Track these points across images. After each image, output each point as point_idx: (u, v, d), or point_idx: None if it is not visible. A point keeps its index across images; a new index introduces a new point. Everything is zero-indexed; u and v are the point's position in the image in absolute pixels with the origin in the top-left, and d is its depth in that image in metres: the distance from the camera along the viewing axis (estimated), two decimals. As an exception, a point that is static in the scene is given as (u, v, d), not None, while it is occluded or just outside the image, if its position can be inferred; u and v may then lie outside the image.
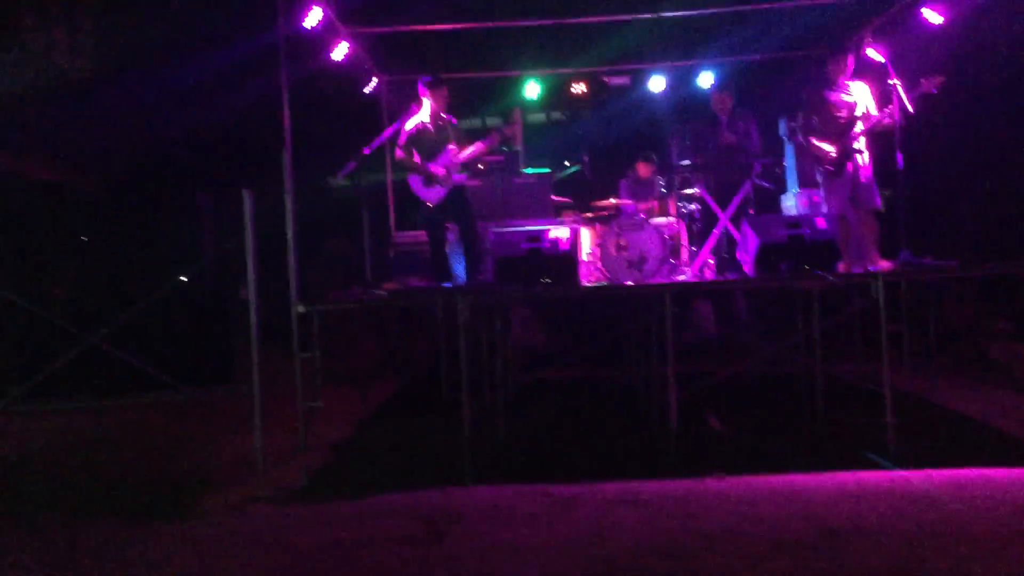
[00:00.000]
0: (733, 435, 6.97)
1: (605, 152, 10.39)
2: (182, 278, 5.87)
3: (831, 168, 7.38)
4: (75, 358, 5.65)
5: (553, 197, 9.01)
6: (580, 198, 9.36)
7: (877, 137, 7.29)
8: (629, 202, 8.90)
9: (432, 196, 7.55)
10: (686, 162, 8.41)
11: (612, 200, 8.88)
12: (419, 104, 7.70)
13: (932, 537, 4.39)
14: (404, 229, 9.96)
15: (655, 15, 8.87)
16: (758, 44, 9.95)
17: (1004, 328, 9.30)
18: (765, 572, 4.09)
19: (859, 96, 7.48)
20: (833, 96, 7.50)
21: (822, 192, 7.61)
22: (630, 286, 7.19)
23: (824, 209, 7.41)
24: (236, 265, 6.23)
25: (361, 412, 8.23)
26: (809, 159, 8.23)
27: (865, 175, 7.34)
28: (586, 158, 8.97)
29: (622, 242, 8.24)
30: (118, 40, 8.82)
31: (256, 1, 7.04)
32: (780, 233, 6.39)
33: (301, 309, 6.19)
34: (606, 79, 10.20)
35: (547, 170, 8.96)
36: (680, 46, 10.22)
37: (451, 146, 7.63)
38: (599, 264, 8.40)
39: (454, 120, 7.87)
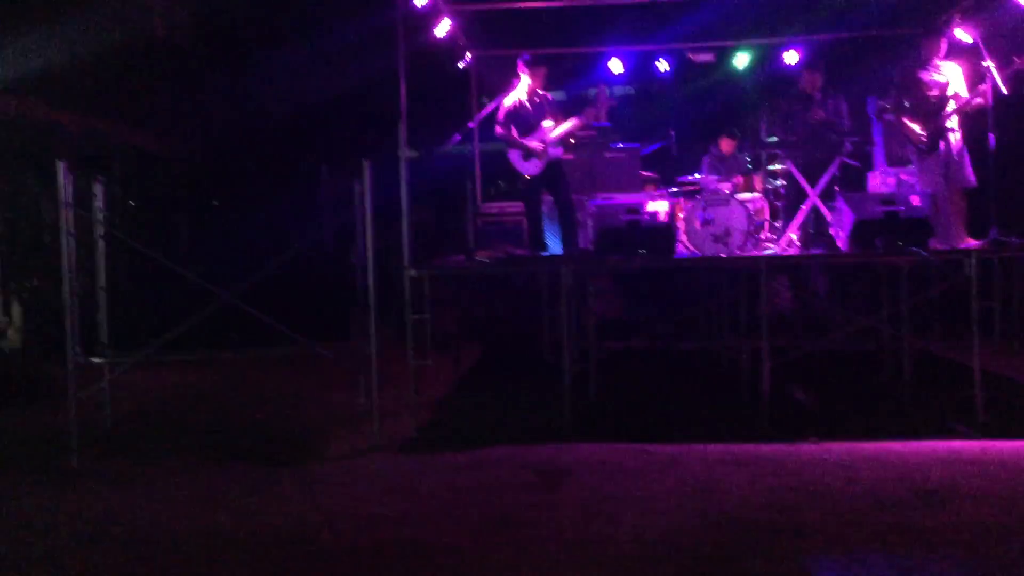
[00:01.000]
0: (818, 406, 7.23)
1: (690, 128, 10.57)
2: (303, 244, 6.22)
3: (923, 147, 7.52)
4: (209, 315, 6.07)
5: (641, 172, 9.28)
6: (665, 173, 9.59)
7: (971, 117, 7.41)
8: (714, 177, 9.11)
9: (531, 169, 7.87)
10: (773, 138, 8.59)
11: (698, 175, 9.11)
12: (517, 80, 8.00)
13: (1027, 499, 4.63)
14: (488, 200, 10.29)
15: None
16: (843, 22, 10.01)
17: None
18: (867, 527, 4.35)
19: (951, 76, 7.59)
20: (925, 76, 7.62)
21: (915, 170, 7.76)
22: (727, 258, 7.43)
23: (916, 187, 7.56)
24: (351, 232, 6.61)
25: (453, 374, 8.62)
26: (899, 138, 8.37)
27: (957, 154, 7.48)
28: (672, 133, 9.18)
29: (708, 216, 8.45)
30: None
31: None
32: (876, 209, 6.58)
33: (413, 273, 6.56)
34: (691, 55, 10.38)
35: (636, 145, 9.22)
36: (765, 23, 10.31)
37: (547, 121, 7.93)
38: (684, 238, 8.63)
39: (550, 96, 8.17)
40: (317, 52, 9.24)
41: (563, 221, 7.95)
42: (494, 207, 10.01)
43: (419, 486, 5.31)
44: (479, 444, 6.16)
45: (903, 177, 8.49)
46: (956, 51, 7.76)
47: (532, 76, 7.91)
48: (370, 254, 6.29)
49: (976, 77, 7.18)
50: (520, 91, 7.96)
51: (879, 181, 8.82)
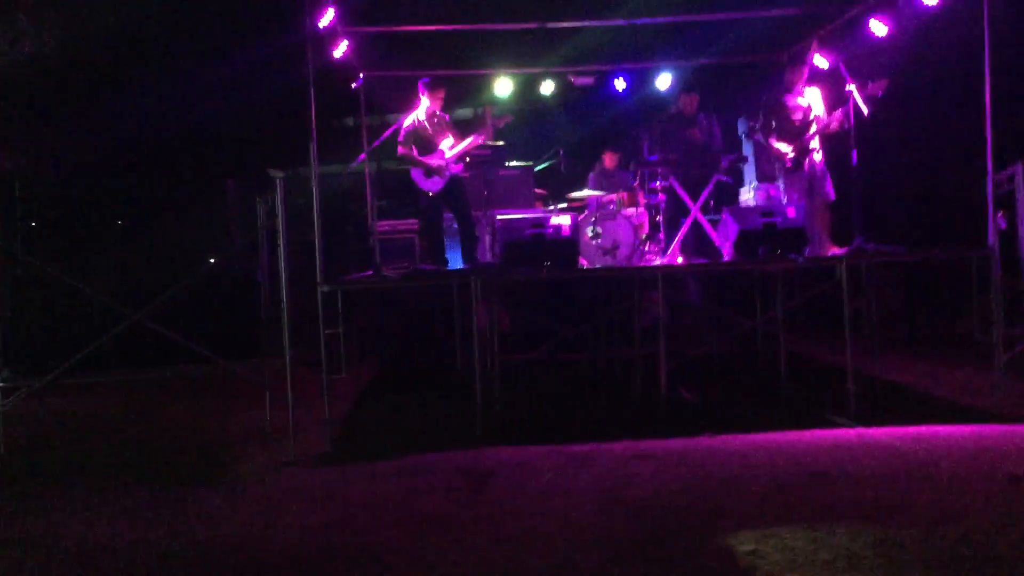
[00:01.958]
0: (707, 405, 7.77)
1: (577, 146, 11.06)
2: (211, 260, 6.27)
3: (789, 165, 8.22)
4: (115, 336, 6.04)
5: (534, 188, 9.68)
6: (555, 189, 10.03)
7: (833, 136, 8.14)
8: (601, 193, 9.60)
9: (432, 186, 8.13)
10: (655, 157, 9.13)
11: (586, 191, 9.57)
12: (418, 102, 8.27)
13: (907, 478, 5.19)
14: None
15: (614, 22, 9.58)
16: (711, 49, 10.73)
17: (930, 310, 10.36)
18: (773, 506, 4.81)
19: (813, 100, 8.34)
20: (790, 101, 8.35)
21: (781, 186, 8.45)
22: (631, 268, 7.89)
23: (784, 201, 8.24)
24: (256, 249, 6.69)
25: (360, 389, 8.75)
26: (767, 157, 9.09)
27: (819, 171, 8.21)
28: (561, 152, 9.62)
29: (596, 230, 8.91)
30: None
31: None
32: (757, 221, 7.17)
33: (326, 289, 6.69)
34: (572, 79, 10.87)
35: (530, 163, 9.62)
36: (639, 49, 10.92)
37: (446, 140, 8.22)
38: (575, 251, 9.07)
39: (447, 117, 8.48)
40: (224, 70, 9.23)
41: (463, 236, 8.24)
42: (386, 225, 10.19)
43: (346, 495, 5.45)
44: (396, 454, 6.34)
45: (772, 192, 9.21)
46: (818, 76, 8.52)
47: (431, 97, 8.21)
48: (282, 268, 6.38)
49: (838, 100, 7.91)
50: (420, 112, 8.24)
51: (750, 196, 9.52)
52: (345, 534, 4.71)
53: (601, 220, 8.94)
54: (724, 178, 8.92)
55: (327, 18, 7.32)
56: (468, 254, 8.18)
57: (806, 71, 8.46)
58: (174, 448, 6.98)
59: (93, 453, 6.92)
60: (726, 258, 7.49)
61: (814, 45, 9.26)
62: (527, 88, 10.80)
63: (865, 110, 7.53)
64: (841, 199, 8.15)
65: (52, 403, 8.49)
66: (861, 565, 3.93)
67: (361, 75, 9.63)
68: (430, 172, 8.12)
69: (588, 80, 10.96)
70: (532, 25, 9.40)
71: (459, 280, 7.00)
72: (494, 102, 10.72)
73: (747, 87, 10.43)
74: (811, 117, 8.29)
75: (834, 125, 8.01)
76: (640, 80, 11.01)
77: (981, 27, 6.82)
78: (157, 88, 8.95)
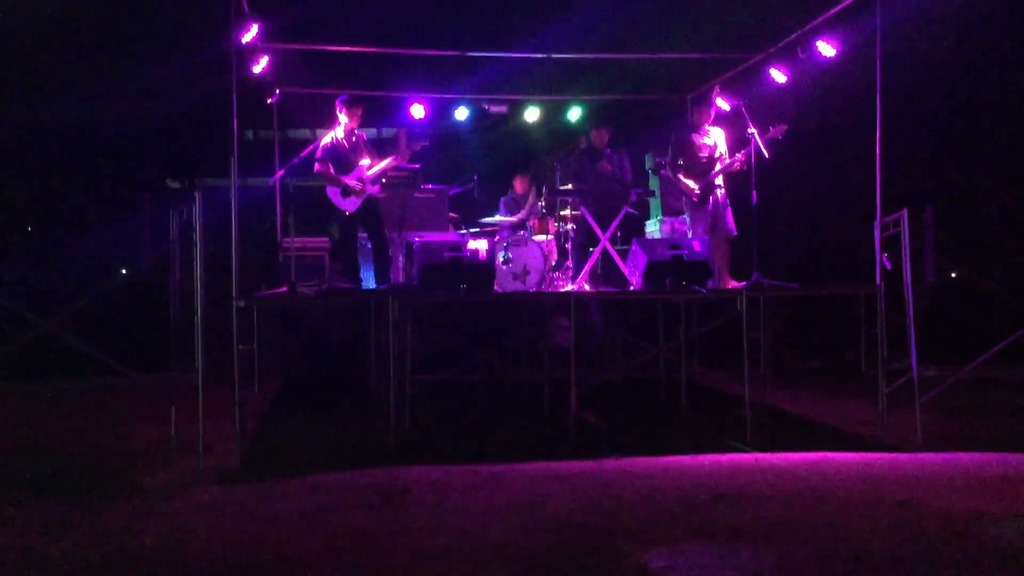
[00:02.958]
0: (613, 429, 8.00)
1: (490, 172, 11.26)
2: (123, 272, 6.16)
3: (695, 201, 8.60)
4: (24, 343, 5.87)
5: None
6: (467, 214, 10.19)
7: (735, 175, 8.56)
8: (513, 219, 9.81)
9: (349, 206, 8.17)
10: (567, 187, 9.40)
11: (498, 217, 9.77)
12: (336, 121, 8.31)
13: (802, 500, 5.50)
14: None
15: (530, 55, 9.86)
16: (621, 86, 11.13)
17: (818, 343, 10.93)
18: (681, 526, 5.02)
19: (718, 140, 8.77)
20: (697, 139, 8.75)
21: (687, 220, 8.82)
22: (544, 293, 8.09)
23: (689, 235, 8.61)
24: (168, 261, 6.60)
25: (269, 406, 8.67)
26: (673, 192, 9.47)
27: (722, 207, 8.61)
28: (475, 177, 9.80)
29: (508, 255, 9.09)
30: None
31: (188, 12, 7.40)
32: (664, 253, 7.48)
33: (241, 304, 6.65)
34: (486, 106, 11.10)
35: (444, 186, 9.75)
36: (552, 82, 11.23)
37: (364, 160, 8.28)
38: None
39: (364, 136, 8.54)
40: (141, 79, 9.07)
41: (378, 256, 8.30)
42: (297, 241, 10.14)
43: (260, 511, 5.43)
44: (309, 470, 6.32)
45: (677, 226, 9.60)
46: (722, 118, 8.95)
47: (349, 116, 8.26)
48: (199, 282, 6.31)
49: (741, 141, 8.34)
50: (338, 130, 8.28)
51: (655, 229, 9.89)
52: (262, 550, 4.70)
53: (512, 246, 9.13)
54: (632, 211, 9.25)
55: (251, 33, 7.32)
56: (382, 274, 8.24)
57: (712, 112, 8.89)
58: (81, 461, 6.78)
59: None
60: (635, 287, 7.76)
61: (716, 89, 9.73)
62: (443, 113, 10.96)
63: (766, 153, 7.96)
64: (740, 236, 8.57)
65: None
66: (766, 580, 4.17)
67: (277, 91, 9.62)
68: (347, 191, 8.16)
69: (503, 108, 11.20)
70: (450, 53, 9.58)
71: (377, 300, 7.05)
72: (409, 125, 10.84)
73: (654, 124, 10.86)
74: (716, 155, 8.71)
75: (736, 165, 8.43)
76: (553, 111, 11.32)
77: (874, 78, 7.32)
78: (73, 94, 8.73)
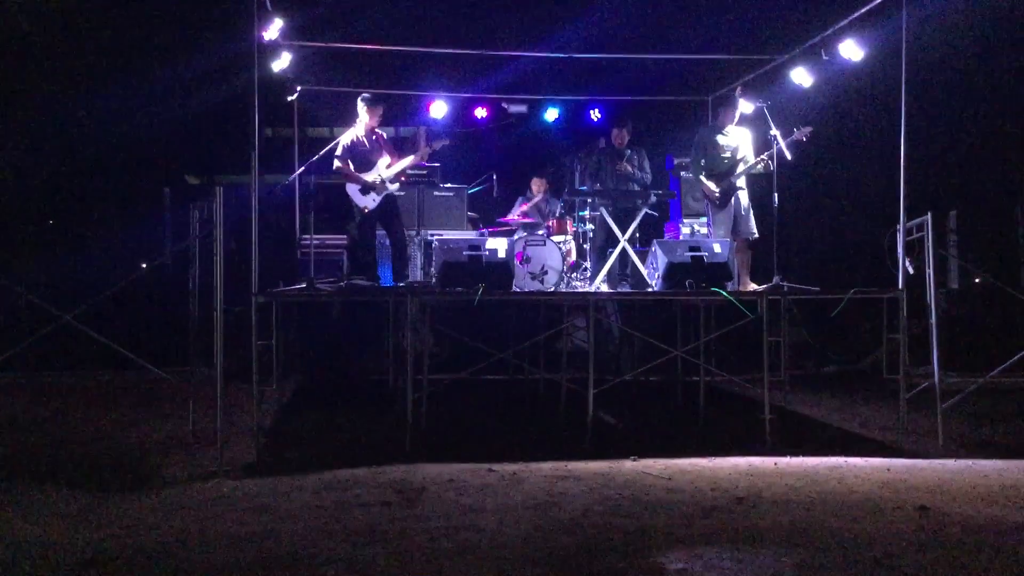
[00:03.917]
0: (630, 430, 7.97)
1: (509, 172, 11.25)
2: (143, 266, 6.19)
3: (716, 203, 8.55)
4: (45, 335, 5.90)
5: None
6: (484, 213, 10.18)
7: (757, 177, 8.51)
8: (532, 219, 9.79)
9: (368, 203, 8.18)
10: (585, 187, 9.38)
11: (517, 216, 9.75)
12: (356, 118, 8.33)
13: (821, 504, 5.45)
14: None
15: (551, 55, 9.85)
16: (642, 87, 11.10)
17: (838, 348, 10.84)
18: (699, 528, 4.99)
19: (741, 141, 8.70)
20: (720, 140, 8.69)
21: (708, 222, 8.77)
22: (564, 293, 8.07)
23: (710, 237, 8.56)
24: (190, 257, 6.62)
25: (280, 401, 8.68)
26: (694, 193, 9.42)
27: (744, 209, 8.56)
28: (494, 176, 9.79)
29: (526, 255, 9.08)
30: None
31: (211, 10, 7.43)
32: (685, 255, 7.44)
33: (261, 299, 6.66)
34: (506, 105, 11.10)
35: (464, 185, 9.75)
36: (571, 83, 11.22)
37: (383, 158, 8.29)
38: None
39: (384, 135, 8.55)
40: (164, 77, 9.14)
41: (396, 254, 8.31)
42: (315, 239, 10.16)
43: (277, 506, 5.43)
44: (324, 467, 6.33)
45: (696, 227, 9.55)
46: (746, 119, 8.90)
47: (370, 114, 8.27)
48: (219, 278, 6.33)
49: (764, 143, 8.28)
50: (358, 128, 8.29)
51: (675, 230, 9.84)
52: (278, 544, 4.69)
53: (530, 245, 9.12)
54: (651, 211, 9.21)
55: (274, 30, 7.34)
56: (399, 272, 8.25)
57: (734, 113, 8.83)
58: (100, 453, 6.82)
59: (17, 455, 6.71)
60: (655, 288, 7.73)
61: (738, 89, 9.67)
62: (463, 112, 10.96)
63: (788, 155, 7.91)
64: (761, 238, 8.51)
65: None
66: (785, 584, 4.14)
67: (298, 88, 9.65)
68: (367, 189, 8.17)
69: (522, 108, 11.20)
70: (471, 52, 9.58)
71: (395, 297, 7.04)
72: (429, 124, 10.85)
73: (675, 125, 10.82)
74: (739, 157, 8.65)
75: (760, 166, 8.38)
76: (573, 112, 11.31)
77: (898, 81, 7.25)
78: (98, 92, 8.80)
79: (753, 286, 8.28)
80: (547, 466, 6.38)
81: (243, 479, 6.10)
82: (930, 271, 7.26)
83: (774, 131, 8.02)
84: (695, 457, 6.72)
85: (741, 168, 8.54)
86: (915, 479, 6.05)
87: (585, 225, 9.71)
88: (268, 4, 7.30)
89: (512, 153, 11.94)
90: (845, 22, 8.09)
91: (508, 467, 6.33)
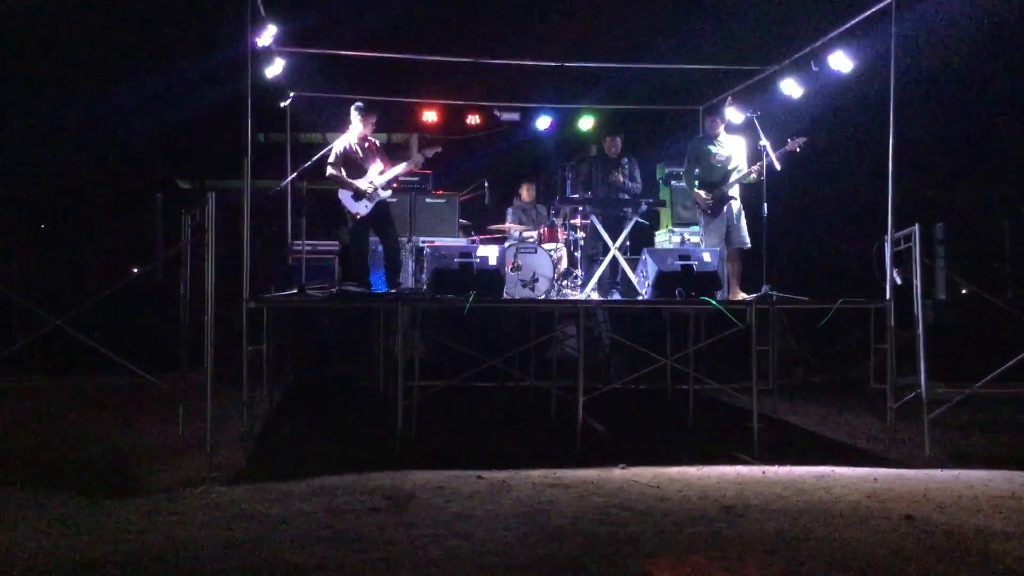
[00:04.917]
0: (619, 438, 8.00)
1: (500, 180, 11.30)
2: (135, 271, 6.19)
3: (709, 212, 8.60)
4: (35, 340, 5.90)
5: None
6: (476, 220, 10.21)
7: (748, 186, 8.56)
8: (523, 227, 9.83)
9: (360, 210, 8.21)
10: (576, 195, 9.43)
11: (507, 224, 9.79)
12: (349, 125, 8.36)
13: (808, 513, 5.48)
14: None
15: (543, 63, 9.90)
16: (633, 96, 11.16)
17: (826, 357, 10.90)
18: (688, 536, 5.01)
19: (733, 150, 8.76)
20: (712, 149, 8.75)
21: (701, 231, 8.82)
22: (554, 300, 8.09)
23: (701, 246, 8.61)
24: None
25: (269, 407, 8.68)
26: (684, 202, 9.47)
27: (736, 218, 8.61)
28: (486, 184, 9.83)
29: (517, 263, 9.11)
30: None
31: (204, 16, 7.45)
32: (675, 263, 7.49)
33: (252, 305, 6.67)
34: (498, 113, 11.14)
35: (456, 193, 9.79)
36: (563, 91, 11.27)
37: (376, 165, 8.32)
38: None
39: (377, 142, 8.59)
40: (153, 83, 9.16)
41: (388, 261, 8.33)
42: (307, 244, 10.17)
43: (266, 512, 5.43)
44: (313, 474, 6.33)
45: (686, 236, 9.60)
46: (737, 128, 8.96)
47: (363, 123, 8.31)
48: (210, 283, 6.33)
49: (755, 152, 8.34)
50: (351, 135, 8.32)
51: (665, 239, 9.89)
52: (268, 551, 4.70)
53: (522, 253, 9.16)
54: (642, 220, 9.26)
55: (267, 37, 7.36)
56: (391, 279, 8.27)
57: (724, 121, 8.89)
58: (89, 459, 6.80)
59: (5, 459, 6.69)
60: (645, 297, 7.77)
61: (728, 99, 9.74)
62: (455, 119, 11.00)
63: (778, 165, 7.97)
64: (750, 248, 8.56)
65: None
66: (771, 592, 4.16)
67: (291, 94, 9.67)
68: (359, 195, 8.19)
69: (514, 115, 11.24)
70: (463, 59, 9.62)
71: (386, 304, 7.06)
72: (422, 131, 10.88)
73: (666, 134, 10.88)
74: (731, 167, 8.70)
75: (752, 176, 8.43)
76: (564, 120, 11.35)
77: (887, 93, 7.32)
78: (91, 97, 8.82)
79: (743, 295, 8.33)
80: (536, 474, 6.40)
81: (233, 485, 6.10)
82: (917, 282, 7.32)
83: (764, 141, 8.08)
84: (684, 465, 6.75)
85: (734, 177, 8.59)
86: (901, 488, 6.09)
87: (576, 233, 9.76)
88: (262, 11, 7.33)
89: (504, 160, 11.99)
90: (835, 34, 8.16)
91: (497, 474, 6.34)
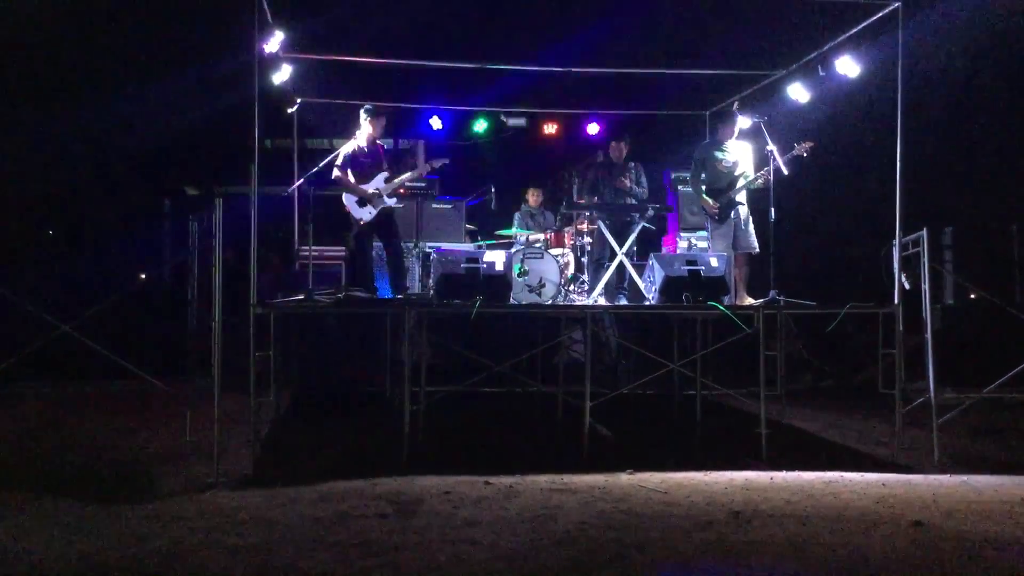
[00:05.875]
0: (626, 443, 7.97)
1: (507, 185, 11.31)
2: (143, 276, 6.21)
3: (716, 217, 8.58)
4: (44, 345, 5.91)
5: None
6: (482, 225, 10.22)
7: (755, 192, 8.54)
8: (528, 232, 9.83)
9: (365, 215, 8.21)
10: (584, 200, 9.42)
11: (514, 230, 9.79)
12: (357, 129, 8.37)
13: (817, 518, 5.46)
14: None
15: (549, 68, 9.90)
16: (640, 101, 11.16)
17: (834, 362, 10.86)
18: (694, 542, 5.00)
19: (740, 156, 8.74)
20: (719, 155, 8.73)
21: (708, 236, 8.80)
22: (562, 305, 8.09)
23: (709, 251, 8.59)
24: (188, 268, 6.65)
25: (276, 413, 8.67)
26: (691, 207, 9.45)
27: (744, 223, 8.59)
28: (492, 189, 9.83)
29: (524, 268, 9.11)
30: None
31: (211, 23, 7.47)
32: (682, 268, 7.47)
33: (259, 310, 6.68)
34: (505, 119, 11.15)
35: (461, 198, 9.80)
36: (570, 97, 11.27)
37: (383, 170, 8.33)
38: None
39: (385, 147, 8.60)
40: (161, 89, 9.21)
41: (393, 266, 8.33)
42: (314, 250, 10.18)
43: (274, 517, 5.43)
44: (320, 479, 6.33)
45: (694, 241, 9.58)
46: (745, 133, 8.95)
47: (372, 125, 8.34)
48: (218, 288, 6.35)
49: (763, 158, 8.32)
50: (360, 139, 8.34)
51: (673, 244, 9.87)
52: (275, 556, 4.70)
53: (528, 258, 9.15)
54: (648, 225, 9.25)
55: (274, 43, 7.38)
56: (397, 284, 8.27)
57: (734, 128, 8.88)
58: (97, 464, 6.81)
59: (13, 464, 6.72)
60: (652, 302, 7.75)
61: (735, 104, 9.73)
62: (461, 125, 11.02)
63: (785, 170, 7.95)
64: (757, 253, 8.55)
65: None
66: (779, 598, 4.14)
67: (298, 100, 9.69)
68: (363, 201, 8.20)
69: (520, 121, 11.25)
70: (470, 65, 9.62)
71: (393, 310, 7.06)
72: (428, 136, 10.90)
73: (673, 140, 10.86)
74: (738, 172, 8.68)
75: (759, 181, 8.41)
76: (571, 125, 11.36)
77: (895, 98, 7.30)
78: (98, 103, 8.86)
79: (750, 300, 8.30)
80: (543, 479, 6.39)
81: (240, 490, 6.10)
82: (926, 286, 7.29)
83: (771, 146, 8.06)
84: (691, 471, 6.73)
85: (741, 183, 8.57)
86: (910, 494, 6.06)
87: (583, 238, 9.75)
88: (269, 17, 7.35)
89: (511, 166, 12.00)
90: (842, 38, 8.14)
91: (504, 480, 6.34)
